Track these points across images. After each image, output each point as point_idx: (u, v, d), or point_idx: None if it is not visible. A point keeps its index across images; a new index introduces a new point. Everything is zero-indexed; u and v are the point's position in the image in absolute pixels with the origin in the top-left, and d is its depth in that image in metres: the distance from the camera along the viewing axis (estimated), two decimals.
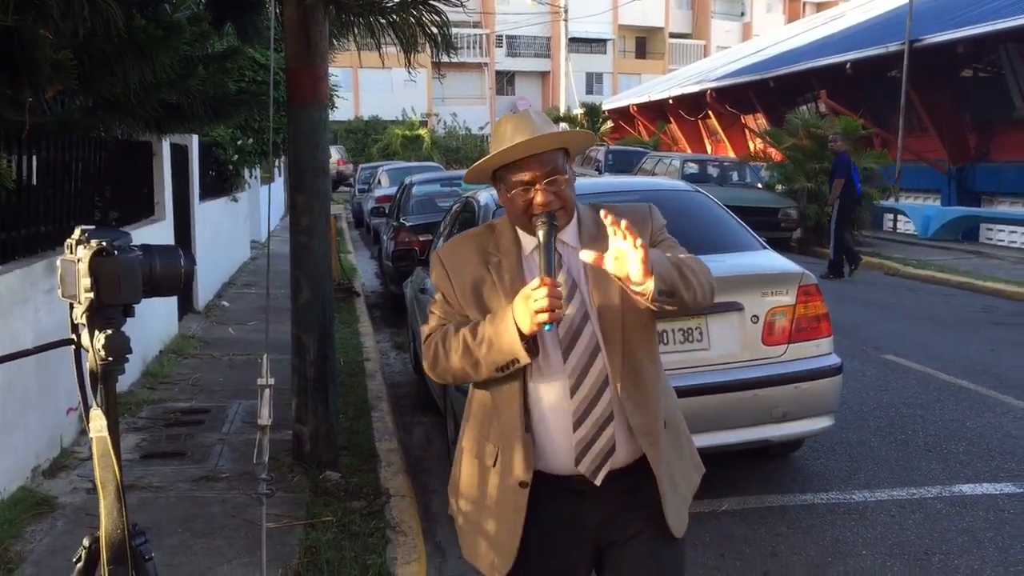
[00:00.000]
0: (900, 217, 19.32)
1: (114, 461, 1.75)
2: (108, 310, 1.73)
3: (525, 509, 2.21)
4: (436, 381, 2.34)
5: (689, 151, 29.17)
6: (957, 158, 19.10)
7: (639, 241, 1.88)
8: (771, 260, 5.08)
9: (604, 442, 2.17)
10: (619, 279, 1.97)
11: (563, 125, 38.43)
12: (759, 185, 18.26)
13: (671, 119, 31.90)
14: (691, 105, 29.34)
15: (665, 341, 4.47)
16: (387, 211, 14.00)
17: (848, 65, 19.53)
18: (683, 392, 3.17)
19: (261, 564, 3.42)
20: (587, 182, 6.47)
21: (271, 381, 3.42)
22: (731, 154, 26.24)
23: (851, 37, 23.37)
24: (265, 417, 3.37)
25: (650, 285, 1.92)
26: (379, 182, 20.80)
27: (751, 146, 25.13)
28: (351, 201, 28.44)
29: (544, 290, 1.96)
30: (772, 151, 19.46)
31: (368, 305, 11.43)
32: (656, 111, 32.82)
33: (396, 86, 43.65)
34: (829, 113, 20.08)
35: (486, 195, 5.79)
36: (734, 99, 26.37)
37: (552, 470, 2.20)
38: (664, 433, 2.25)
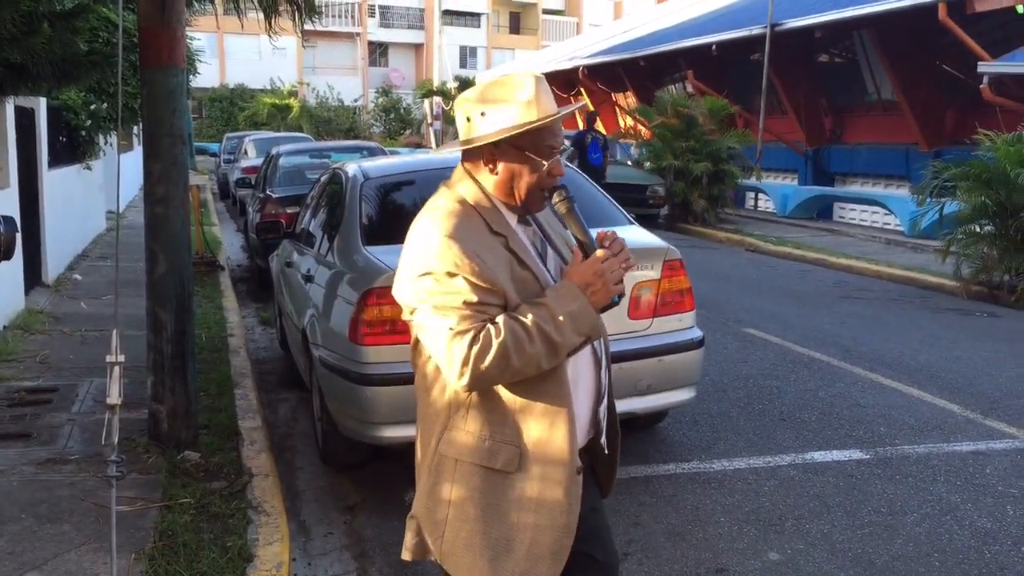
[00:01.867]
0: (761, 195, 20.07)
1: None
2: None
3: (581, 496, 2.07)
4: (494, 382, 1.97)
5: (562, 127, 29.37)
6: (814, 139, 19.94)
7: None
8: (637, 235, 5.14)
9: (610, 412, 2.27)
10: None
11: (436, 99, 38.21)
12: (629, 162, 18.60)
13: None
14: (564, 82, 29.56)
15: None
16: (253, 182, 13.58)
17: (713, 47, 20.04)
18: None
19: (111, 549, 3.26)
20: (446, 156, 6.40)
21: (121, 358, 3.24)
22: (602, 131, 26.62)
23: (717, 19, 23.98)
24: (114, 396, 3.20)
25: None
26: (245, 152, 20.14)
27: (621, 123, 25.54)
28: (216, 172, 27.49)
29: (615, 261, 1.97)
30: (642, 129, 19.84)
31: (233, 279, 11.07)
32: None
33: (264, 54, 42.36)
34: (696, 93, 20.60)
35: (353, 167, 5.66)
36: (605, 77, 26.72)
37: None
38: None
